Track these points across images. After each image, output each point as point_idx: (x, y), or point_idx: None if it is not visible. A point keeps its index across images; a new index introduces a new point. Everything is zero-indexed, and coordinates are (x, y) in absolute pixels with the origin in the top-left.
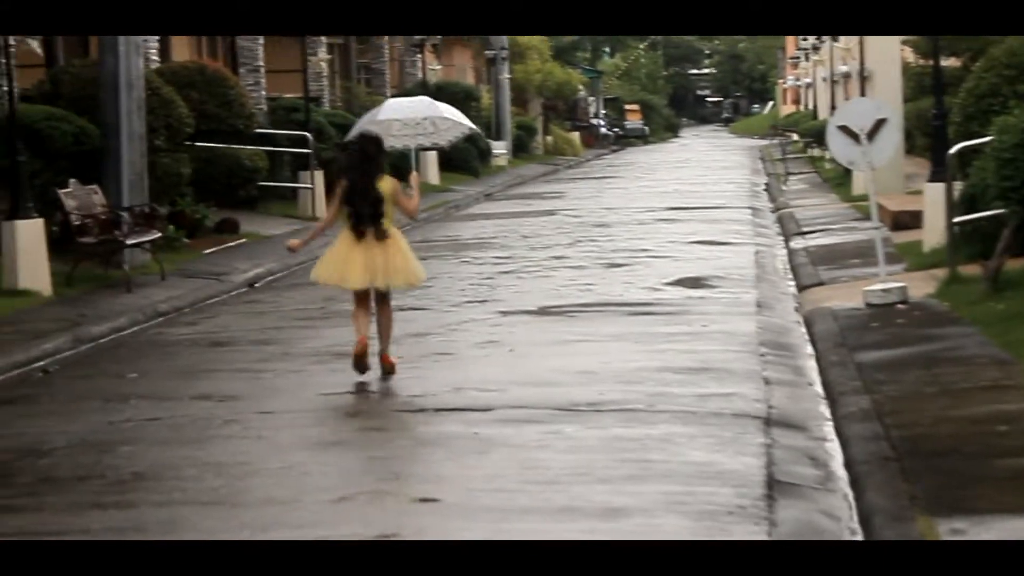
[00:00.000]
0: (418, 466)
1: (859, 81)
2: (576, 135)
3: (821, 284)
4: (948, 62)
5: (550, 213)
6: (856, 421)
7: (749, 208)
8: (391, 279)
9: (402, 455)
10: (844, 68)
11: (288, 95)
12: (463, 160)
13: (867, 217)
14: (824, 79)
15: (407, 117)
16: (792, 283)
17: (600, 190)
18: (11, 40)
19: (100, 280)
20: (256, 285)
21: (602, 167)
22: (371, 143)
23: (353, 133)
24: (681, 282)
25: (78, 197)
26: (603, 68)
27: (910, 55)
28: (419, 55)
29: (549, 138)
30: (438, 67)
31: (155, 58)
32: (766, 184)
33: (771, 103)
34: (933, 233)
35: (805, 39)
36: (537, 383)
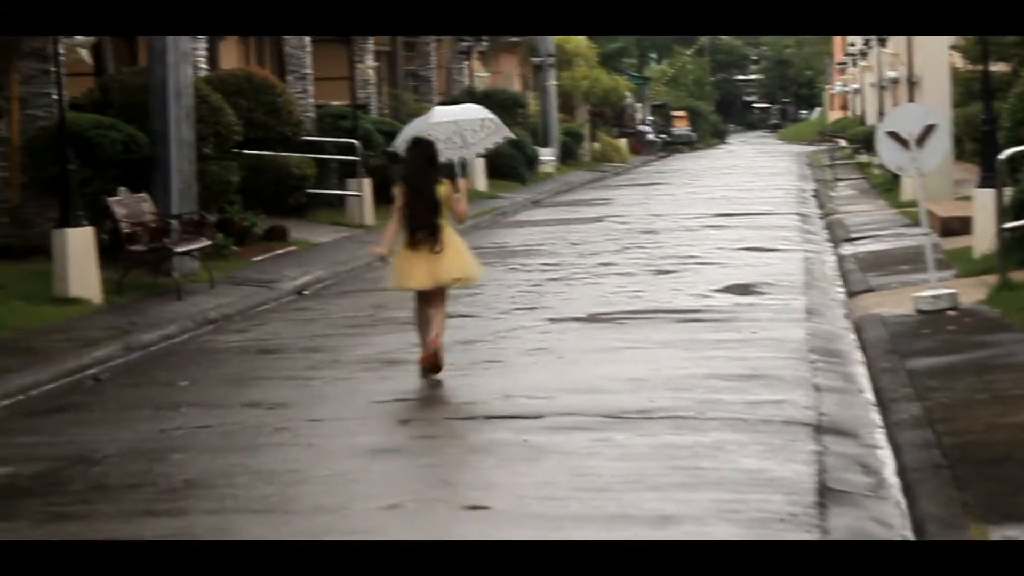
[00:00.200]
0: (468, 473)
1: (907, 86)
2: (623, 141)
3: (871, 290)
4: (997, 67)
5: (598, 220)
6: (908, 428)
7: (797, 214)
8: (448, 277)
9: (452, 462)
10: (892, 74)
11: (335, 102)
12: (510, 167)
13: (916, 223)
14: (872, 84)
15: (450, 120)
16: (841, 289)
17: (648, 196)
18: (61, 49)
19: (150, 288)
20: (305, 292)
21: (649, 173)
22: (427, 148)
23: (399, 141)
24: (730, 289)
25: (128, 205)
26: (650, 74)
27: (959, 60)
28: (466, 62)
29: (596, 145)
30: (485, 74)
31: (203, 66)
32: (814, 190)
33: (818, 109)
34: (983, 239)
35: (852, 44)
36: (586, 390)
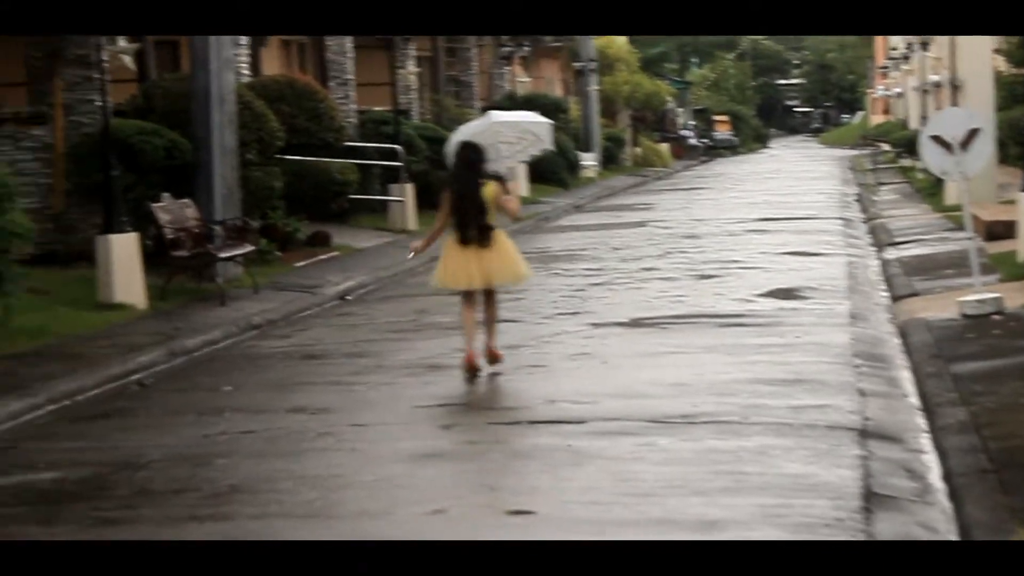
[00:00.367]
0: (512, 478)
1: (950, 90)
2: (665, 146)
3: (915, 295)
4: None
5: (640, 224)
6: (953, 433)
7: (840, 219)
8: (497, 278)
9: (496, 467)
10: (935, 77)
11: (377, 108)
12: (552, 172)
13: (960, 227)
14: (915, 88)
15: (512, 121)
16: (885, 294)
17: (690, 201)
18: (104, 55)
19: (193, 293)
20: (348, 297)
21: (691, 178)
22: (473, 152)
23: (449, 150)
24: (773, 293)
25: (171, 211)
26: (691, 79)
27: (1002, 64)
28: (507, 67)
29: (638, 149)
30: (526, 79)
31: (246, 72)
32: (857, 194)
33: (861, 113)
34: None
35: (895, 48)
36: (630, 395)
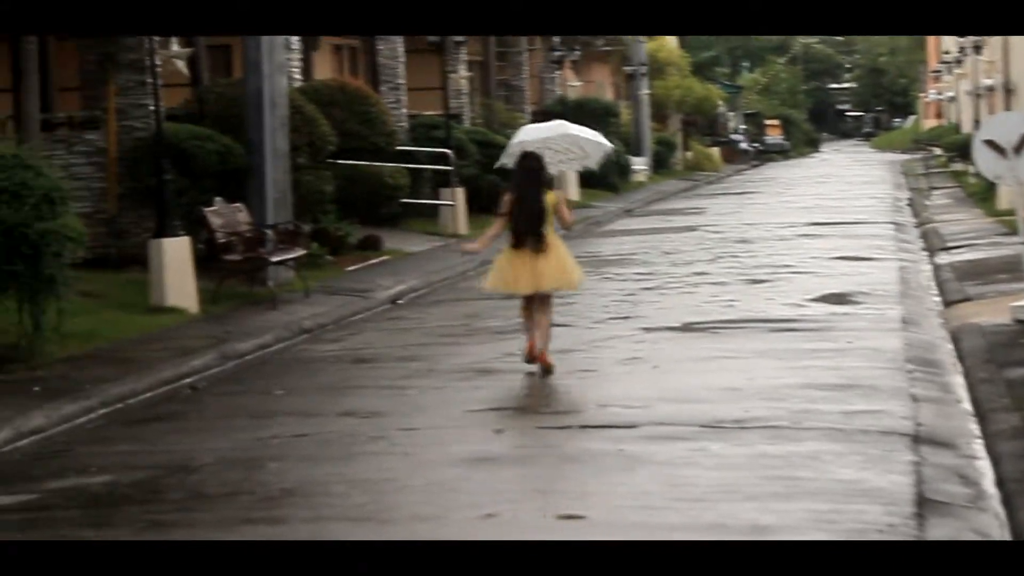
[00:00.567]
0: (563, 483)
1: (1003, 94)
2: (716, 150)
3: (967, 300)
4: None
5: (691, 229)
6: (1007, 439)
7: (892, 223)
8: (549, 283)
9: (547, 472)
10: (988, 81)
11: (428, 112)
12: (603, 176)
13: (1013, 232)
14: (967, 92)
15: (544, 137)
16: (937, 299)
17: (741, 206)
18: (157, 60)
19: (245, 297)
20: (399, 302)
21: (742, 182)
22: (534, 160)
23: (505, 159)
24: (825, 298)
25: (223, 215)
26: (743, 83)
27: None
28: (558, 71)
29: (689, 154)
30: (577, 83)
31: (298, 77)
32: (909, 199)
33: (913, 117)
34: None
35: (947, 52)
36: (681, 400)
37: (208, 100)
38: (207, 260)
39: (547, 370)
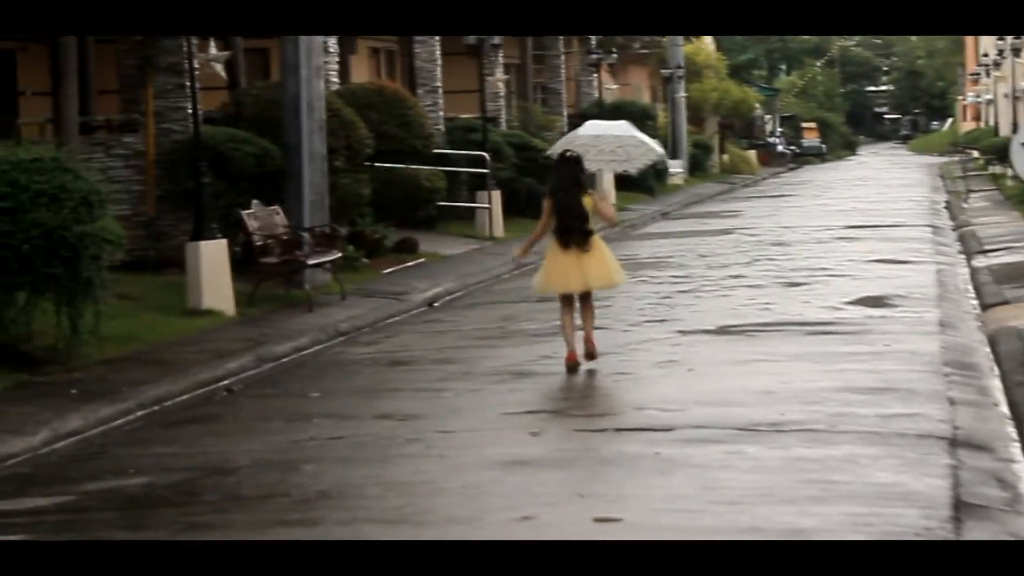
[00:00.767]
0: (600, 485)
1: None
2: (752, 153)
3: (1005, 303)
4: None
5: (727, 232)
6: None
7: (929, 226)
8: (594, 282)
9: (583, 475)
10: None
11: (465, 115)
12: (640, 179)
13: None
14: (1006, 95)
15: (605, 133)
16: (975, 302)
17: (777, 208)
18: (196, 63)
19: (282, 300)
20: (435, 304)
21: (779, 185)
22: (574, 163)
23: (554, 151)
24: (861, 301)
25: (260, 218)
26: (780, 86)
27: None
28: (595, 74)
29: (725, 156)
30: (614, 86)
31: (335, 80)
32: (946, 202)
33: (950, 120)
34: None
35: (986, 54)
36: (717, 403)
37: (246, 103)
38: (244, 263)
39: (591, 354)
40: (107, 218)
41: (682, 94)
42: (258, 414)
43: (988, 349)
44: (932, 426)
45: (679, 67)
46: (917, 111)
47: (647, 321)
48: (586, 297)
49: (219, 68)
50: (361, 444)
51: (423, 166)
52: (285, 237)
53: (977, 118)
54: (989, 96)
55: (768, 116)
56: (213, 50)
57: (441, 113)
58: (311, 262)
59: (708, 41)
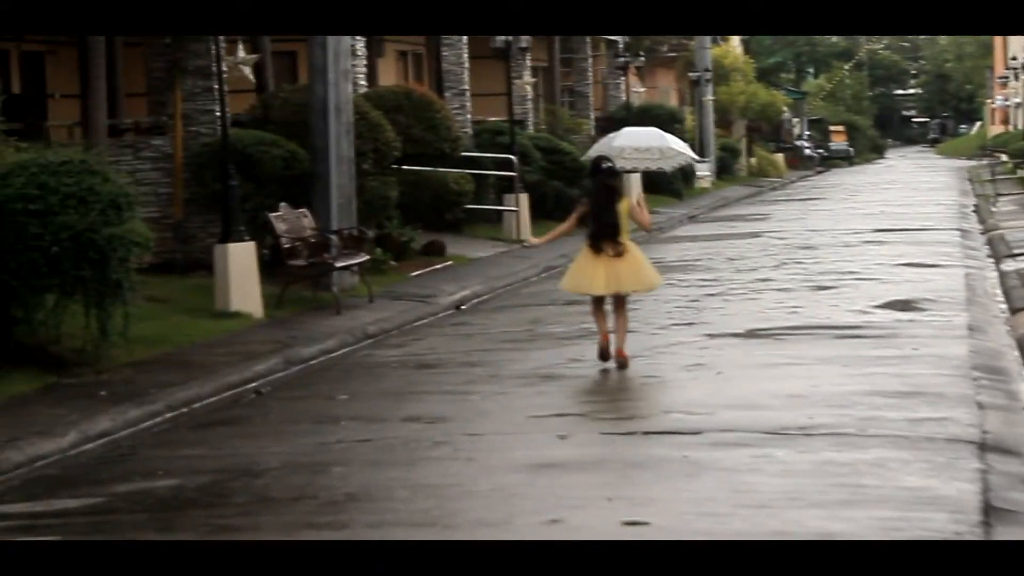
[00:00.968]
0: (627, 489)
1: None
2: (780, 156)
3: None
4: None
5: (755, 235)
6: None
7: (958, 230)
8: (627, 285)
9: (611, 478)
10: None
11: (493, 118)
12: (667, 182)
13: None
14: None
15: (639, 144)
16: (1003, 306)
17: (805, 212)
18: (224, 66)
19: (309, 302)
20: (463, 307)
21: (806, 189)
22: (610, 174)
23: (591, 154)
24: (890, 305)
25: (288, 220)
26: (807, 89)
27: None
28: (622, 77)
29: (753, 159)
30: (641, 89)
31: (363, 83)
32: (975, 205)
33: (979, 123)
34: None
35: (1014, 58)
36: (746, 406)
37: (273, 106)
38: (272, 265)
39: (623, 364)
40: (135, 220)
41: (710, 97)
42: (286, 416)
43: (1017, 353)
44: (961, 430)
45: (707, 70)
46: (945, 114)
47: (675, 324)
48: (620, 304)
49: (247, 71)
50: (389, 447)
51: (451, 169)
52: (313, 240)
53: (1005, 121)
54: (1017, 99)
55: (796, 119)
56: (241, 53)
57: (469, 116)
58: (339, 265)
59: (736, 44)
